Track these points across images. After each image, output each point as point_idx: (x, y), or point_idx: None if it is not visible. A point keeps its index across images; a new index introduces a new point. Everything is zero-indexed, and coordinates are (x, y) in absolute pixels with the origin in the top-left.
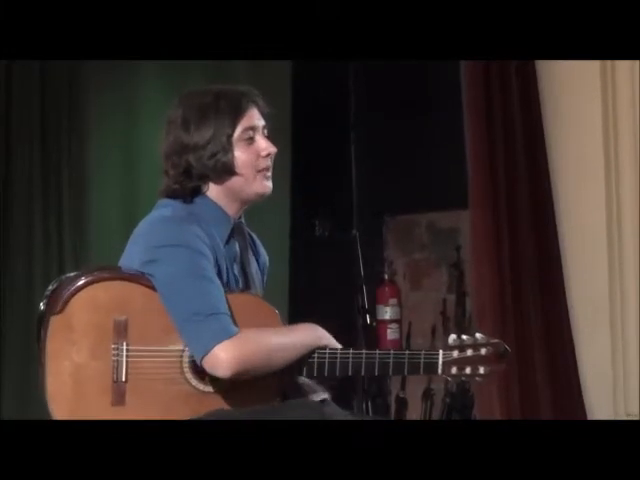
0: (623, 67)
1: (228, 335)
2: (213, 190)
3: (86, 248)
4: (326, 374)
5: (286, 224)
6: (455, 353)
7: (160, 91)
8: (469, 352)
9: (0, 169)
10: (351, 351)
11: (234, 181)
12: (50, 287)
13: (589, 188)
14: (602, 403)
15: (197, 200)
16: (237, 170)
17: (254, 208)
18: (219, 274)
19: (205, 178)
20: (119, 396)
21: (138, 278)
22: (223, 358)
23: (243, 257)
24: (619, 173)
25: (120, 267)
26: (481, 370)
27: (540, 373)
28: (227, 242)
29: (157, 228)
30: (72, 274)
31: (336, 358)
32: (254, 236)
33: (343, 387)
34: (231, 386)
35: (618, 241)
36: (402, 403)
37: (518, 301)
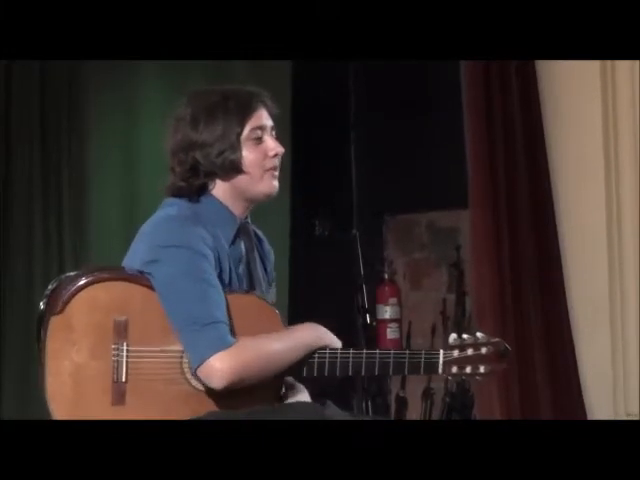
0: (623, 67)
1: (224, 345)
2: (219, 189)
3: (86, 248)
4: (326, 374)
5: (286, 224)
6: (456, 352)
7: (160, 91)
8: (470, 351)
9: (0, 169)
10: (351, 351)
11: (241, 179)
12: (50, 287)
13: (589, 188)
14: (602, 403)
15: (203, 199)
16: (244, 168)
17: (254, 208)
18: (222, 275)
19: (212, 175)
20: (119, 396)
21: (138, 278)
22: (218, 369)
23: (249, 258)
24: (619, 173)
25: (120, 267)
26: (482, 369)
27: (540, 373)
28: (233, 242)
29: (161, 228)
30: (72, 274)
31: (336, 358)
32: (261, 235)
33: (343, 386)
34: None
35: (618, 241)
36: (402, 402)
37: (518, 301)
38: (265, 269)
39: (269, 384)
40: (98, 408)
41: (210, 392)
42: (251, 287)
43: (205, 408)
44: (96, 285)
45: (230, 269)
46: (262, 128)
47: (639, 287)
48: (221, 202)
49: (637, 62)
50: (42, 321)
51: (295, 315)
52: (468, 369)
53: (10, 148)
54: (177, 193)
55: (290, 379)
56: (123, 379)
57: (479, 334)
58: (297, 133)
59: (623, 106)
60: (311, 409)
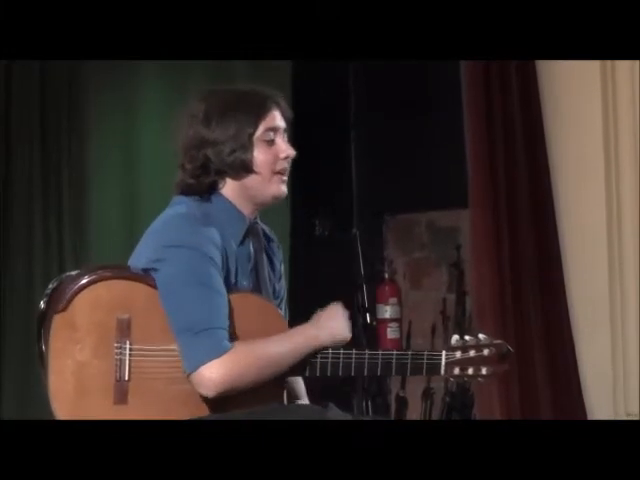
0: (623, 66)
1: (217, 353)
2: (228, 188)
3: (86, 248)
4: (329, 374)
5: (286, 223)
6: (458, 354)
7: (160, 91)
8: (472, 353)
9: (0, 169)
10: (354, 351)
11: (251, 179)
12: (51, 285)
13: (589, 188)
14: (602, 403)
15: (212, 198)
16: (255, 169)
17: None
18: (229, 275)
19: (222, 174)
20: (121, 395)
21: (142, 277)
22: (208, 378)
23: (257, 259)
24: (619, 172)
25: (123, 266)
26: (484, 371)
27: (540, 373)
28: (242, 242)
29: (169, 226)
30: (74, 272)
31: (339, 358)
32: (270, 234)
33: (343, 387)
34: None
35: (618, 240)
36: (402, 402)
37: (518, 301)
38: (273, 269)
39: (271, 385)
40: (100, 407)
41: None
42: (257, 288)
43: (207, 408)
44: (99, 284)
45: (237, 270)
46: (275, 130)
47: (639, 287)
48: (230, 201)
49: (637, 62)
50: (42, 320)
51: (295, 315)
52: (470, 370)
53: (10, 148)
54: (187, 190)
55: (292, 380)
56: (125, 378)
57: (481, 335)
58: (297, 133)
59: (623, 106)
60: (313, 411)
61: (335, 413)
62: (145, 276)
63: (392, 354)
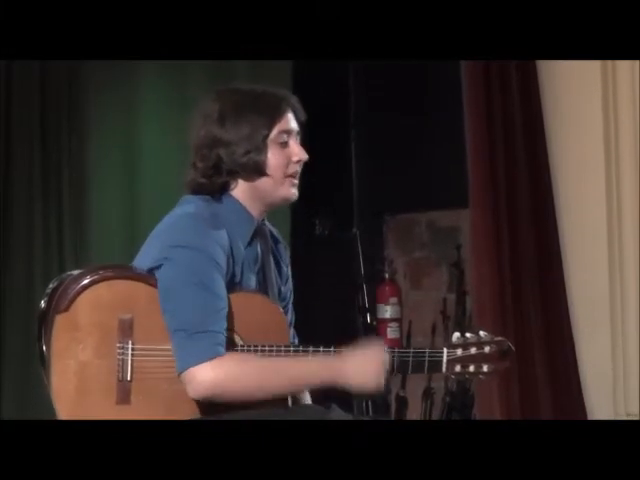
0: (624, 66)
1: (210, 356)
2: (239, 189)
3: (86, 248)
4: None
5: (286, 223)
6: (459, 351)
7: (160, 91)
8: (473, 350)
9: (0, 169)
10: None
11: (262, 182)
12: (51, 285)
13: (589, 187)
14: (602, 403)
15: (222, 199)
16: (267, 171)
17: None
18: (234, 277)
19: (234, 175)
20: (124, 395)
21: (144, 277)
22: (197, 380)
23: (264, 261)
24: (619, 173)
25: (125, 265)
26: (485, 368)
27: (540, 373)
28: (249, 244)
29: (176, 227)
30: (75, 272)
31: None
32: (277, 235)
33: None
34: None
35: (618, 240)
36: (402, 402)
37: (518, 301)
38: (280, 271)
39: None
40: (103, 407)
41: None
42: (264, 290)
43: (209, 408)
44: (101, 284)
45: (243, 271)
46: (289, 132)
47: (639, 286)
48: (240, 202)
49: (637, 62)
50: (43, 320)
51: (295, 315)
52: (471, 368)
53: (10, 148)
54: (198, 189)
55: None
56: (128, 378)
57: (482, 333)
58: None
59: (623, 105)
60: (316, 412)
61: (338, 414)
62: (147, 276)
63: (393, 352)
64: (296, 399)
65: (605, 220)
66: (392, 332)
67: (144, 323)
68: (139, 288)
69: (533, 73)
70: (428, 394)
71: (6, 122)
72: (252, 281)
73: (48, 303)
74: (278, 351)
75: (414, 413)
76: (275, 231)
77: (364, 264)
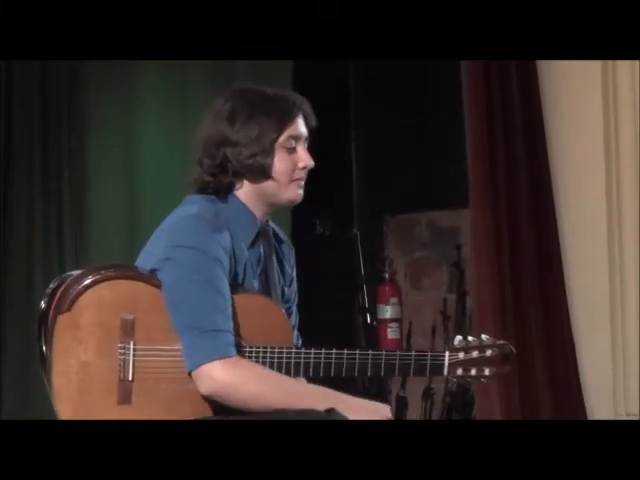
0: (624, 66)
1: (222, 355)
2: (243, 190)
3: (86, 248)
4: (332, 374)
5: (287, 223)
6: (461, 354)
7: (160, 91)
8: (475, 354)
9: (0, 169)
10: (357, 352)
11: (267, 185)
12: (51, 285)
13: (590, 187)
14: (602, 403)
15: (227, 199)
16: (273, 175)
17: None
18: (237, 278)
19: (239, 175)
20: (125, 395)
21: (146, 277)
22: (208, 376)
23: (266, 262)
24: (620, 172)
25: (127, 265)
26: (486, 371)
27: (540, 373)
28: (252, 245)
29: (179, 227)
30: (76, 272)
31: (343, 359)
32: (282, 236)
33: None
34: None
35: (618, 240)
36: (402, 402)
37: (518, 301)
38: (283, 272)
39: None
40: (104, 407)
41: None
42: (267, 291)
43: (210, 408)
44: (103, 284)
45: (245, 272)
46: (297, 138)
47: (639, 287)
48: (244, 204)
49: (637, 62)
50: (43, 319)
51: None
52: (473, 371)
53: (10, 148)
54: (204, 188)
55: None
56: (129, 378)
57: (484, 336)
58: None
59: (624, 105)
60: (317, 416)
61: (339, 415)
62: (149, 276)
63: (395, 355)
64: None
65: (605, 220)
66: (392, 332)
67: (146, 323)
68: (141, 288)
69: (533, 73)
70: (428, 394)
71: (6, 122)
72: (255, 282)
73: (48, 303)
74: (280, 353)
75: (414, 413)
76: (279, 231)
77: (364, 264)
